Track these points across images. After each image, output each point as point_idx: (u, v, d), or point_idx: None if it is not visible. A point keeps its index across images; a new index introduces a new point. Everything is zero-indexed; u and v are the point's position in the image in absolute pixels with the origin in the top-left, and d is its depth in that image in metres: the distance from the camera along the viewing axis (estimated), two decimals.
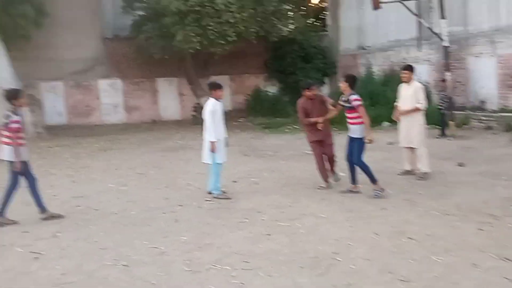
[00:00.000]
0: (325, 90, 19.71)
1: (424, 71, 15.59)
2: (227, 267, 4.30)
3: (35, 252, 4.88)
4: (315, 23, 22.65)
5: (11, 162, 5.82)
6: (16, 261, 4.69)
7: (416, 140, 7.53)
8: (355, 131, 6.65)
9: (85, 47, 18.38)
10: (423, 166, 7.51)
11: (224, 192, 6.93)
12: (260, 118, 17.14)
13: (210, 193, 6.91)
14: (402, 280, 3.83)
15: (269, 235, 5.16)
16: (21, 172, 5.89)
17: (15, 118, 5.79)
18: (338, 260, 4.35)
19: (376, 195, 6.47)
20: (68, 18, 17.74)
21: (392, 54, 17.31)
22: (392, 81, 15.76)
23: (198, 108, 18.04)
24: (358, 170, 6.74)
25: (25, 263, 4.61)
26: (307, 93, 7.16)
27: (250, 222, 5.66)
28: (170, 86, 19.29)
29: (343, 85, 6.80)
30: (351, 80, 6.81)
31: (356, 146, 6.66)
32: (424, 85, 8.76)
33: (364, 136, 6.59)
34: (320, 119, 7.00)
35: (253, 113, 18.09)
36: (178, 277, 4.15)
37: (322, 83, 19.90)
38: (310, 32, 20.00)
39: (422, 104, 7.46)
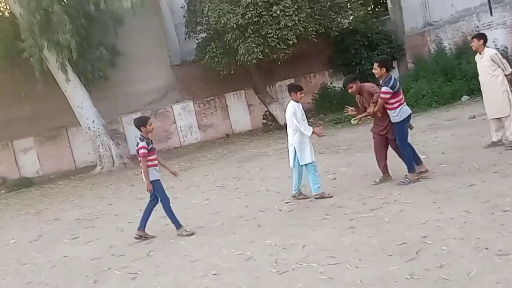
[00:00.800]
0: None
1: (501, 35, 14.44)
2: (314, 264, 4.27)
3: (132, 273, 5.21)
4: (375, 8, 21.95)
5: (155, 181, 6.36)
6: (116, 283, 5.03)
7: (503, 109, 6.98)
8: (392, 116, 6.33)
9: (157, 77, 19.43)
10: (511, 134, 6.93)
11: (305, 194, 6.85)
12: (331, 114, 16.88)
13: (316, 196, 6.60)
14: (499, 255, 3.56)
15: (353, 228, 5.06)
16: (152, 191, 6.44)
17: (141, 144, 6.25)
18: (429, 243, 4.15)
19: (402, 182, 6.28)
20: (139, 53, 18.91)
21: (463, 24, 16.24)
22: (466, 53, 14.81)
23: (268, 116, 18.26)
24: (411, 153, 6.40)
25: (125, 284, 4.93)
26: (349, 91, 6.90)
27: (333, 218, 5.59)
28: (239, 99, 19.70)
29: (377, 70, 6.46)
30: (386, 64, 6.51)
31: (397, 131, 6.36)
32: (501, 50, 8.15)
33: (403, 119, 6.28)
34: (360, 116, 6.80)
35: (322, 111, 17.88)
36: (266, 279, 4.20)
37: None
38: (371, 19, 19.42)
39: (505, 69, 6.92)
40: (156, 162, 6.42)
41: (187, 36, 18.22)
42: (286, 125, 6.97)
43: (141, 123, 6.40)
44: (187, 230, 6.30)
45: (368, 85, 6.75)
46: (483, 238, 3.96)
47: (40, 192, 14.45)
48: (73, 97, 16.32)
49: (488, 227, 4.18)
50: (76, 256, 6.39)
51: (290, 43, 14.93)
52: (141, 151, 6.22)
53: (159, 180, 6.44)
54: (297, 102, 6.77)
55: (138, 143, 6.30)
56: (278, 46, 14.89)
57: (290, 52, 15.46)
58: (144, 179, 6.35)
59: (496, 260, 3.52)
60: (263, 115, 18.52)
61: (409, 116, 6.41)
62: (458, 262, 3.63)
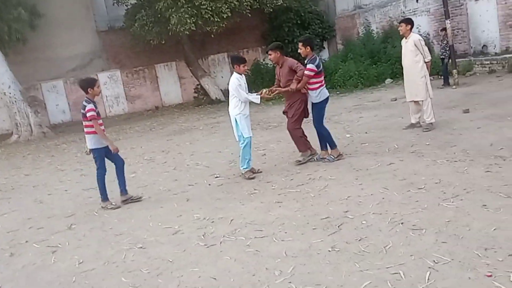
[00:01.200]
0: (325, 55, 19.49)
1: (424, 22, 15.30)
2: (242, 238, 4.34)
3: (52, 246, 4.98)
4: None
5: (96, 149, 6.01)
6: (34, 256, 4.79)
7: (421, 93, 7.42)
8: (312, 96, 6.52)
9: (81, 42, 18.34)
10: (428, 117, 7.44)
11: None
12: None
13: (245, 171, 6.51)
14: (413, 229, 3.85)
15: (280, 202, 5.20)
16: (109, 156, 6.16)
17: (89, 106, 5.82)
18: (350, 217, 4.37)
19: (327, 159, 6.60)
20: (62, 17, 17.68)
21: (390, 9, 16.96)
22: (392, 37, 15.54)
23: (200, 90, 18.03)
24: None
25: (44, 257, 4.71)
26: (269, 57, 6.77)
27: (261, 193, 5.69)
28: (170, 71, 19.23)
29: (302, 50, 6.49)
30: (310, 43, 6.55)
31: (315, 112, 6.60)
32: (423, 36, 8.62)
33: (322, 101, 6.52)
34: (278, 89, 6.70)
35: (254, 87, 17.91)
36: (194, 253, 4.20)
37: (321, 48, 19.65)
38: None
39: (425, 56, 7.33)
40: (103, 127, 6.06)
41: (115, 1, 17.28)
42: (218, 99, 6.91)
43: (88, 84, 5.94)
44: (113, 204, 6.12)
45: (291, 61, 6.54)
46: (399, 214, 4.24)
47: None
48: None
49: (404, 203, 4.49)
50: None
51: (224, 16, 14.74)
52: (89, 114, 5.81)
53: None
54: (240, 74, 6.49)
55: (85, 106, 5.86)
56: (211, 18, 14.64)
57: (223, 25, 15.27)
58: (105, 141, 6.03)
59: (410, 234, 3.79)
60: (194, 89, 18.27)
61: (327, 99, 6.59)
62: (376, 236, 3.87)
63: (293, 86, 6.46)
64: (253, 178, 6.39)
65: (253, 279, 3.53)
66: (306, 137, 6.83)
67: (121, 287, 3.74)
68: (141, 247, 4.54)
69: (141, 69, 18.98)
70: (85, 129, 6.02)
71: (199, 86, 18.03)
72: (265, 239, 4.25)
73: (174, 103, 19.16)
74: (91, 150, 6.11)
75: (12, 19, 15.48)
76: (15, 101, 15.39)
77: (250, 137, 6.56)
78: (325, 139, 6.67)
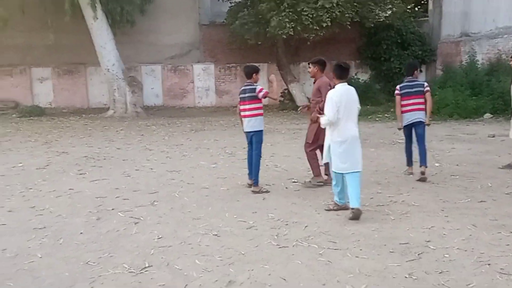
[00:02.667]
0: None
1: None
2: (314, 245, 4.32)
3: (135, 218, 5.30)
4: (415, 8, 21.50)
5: (259, 131, 6.39)
6: (118, 224, 5.12)
7: None
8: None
9: (183, 32, 19.28)
10: None
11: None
12: None
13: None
14: (501, 273, 3.59)
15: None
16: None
17: (259, 87, 6.20)
18: (431, 248, 4.18)
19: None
20: (170, 5, 18.74)
21: (500, 41, 15.91)
22: (498, 71, 14.58)
23: (286, 94, 18.16)
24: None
25: (127, 226, 5.02)
26: (308, 69, 6.58)
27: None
28: (261, 72, 19.57)
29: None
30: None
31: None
32: None
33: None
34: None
35: None
36: (266, 250, 4.26)
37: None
38: (409, 18, 19.05)
39: None
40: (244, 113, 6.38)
41: None
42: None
43: (253, 70, 6.37)
44: (265, 189, 6.33)
45: (323, 82, 6.25)
46: (486, 254, 3.97)
47: (51, 123, 14.59)
48: (98, 36, 16.24)
49: (493, 244, 4.20)
50: (81, 191, 6.49)
51: (324, 25, 14.71)
52: (262, 92, 6.16)
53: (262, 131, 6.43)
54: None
55: (254, 88, 6.20)
56: (311, 25, 14.68)
57: (321, 34, 15.25)
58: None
59: (497, 277, 3.54)
60: (281, 93, 18.41)
61: None
62: (459, 272, 3.66)
63: (313, 116, 6.25)
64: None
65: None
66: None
67: (194, 269, 3.89)
68: (216, 235, 4.68)
69: (233, 66, 19.51)
70: (250, 112, 6.27)
71: (286, 91, 18.16)
72: (338, 251, 4.19)
73: None
74: (254, 133, 6.37)
75: (126, 1, 16.69)
76: (116, 79, 16.53)
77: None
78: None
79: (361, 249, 4.20)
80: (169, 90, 19.44)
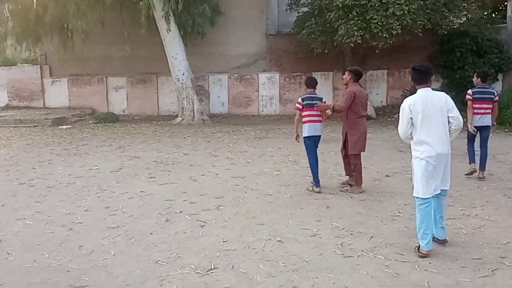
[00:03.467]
0: (497, 87, 17.69)
1: None
2: (381, 257, 4.21)
3: (201, 221, 5.45)
4: (492, 14, 20.34)
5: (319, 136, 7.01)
6: (185, 226, 5.29)
7: None
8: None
9: (250, 43, 19.63)
10: None
11: None
12: None
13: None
14: None
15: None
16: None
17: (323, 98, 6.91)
18: (507, 265, 3.93)
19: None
20: (238, 17, 19.20)
21: None
22: None
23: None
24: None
25: (193, 229, 5.18)
26: (343, 76, 6.85)
27: (406, 217, 5.42)
28: (326, 81, 19.41)
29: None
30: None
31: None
32: None
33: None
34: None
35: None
36: (330, 259, 4.21)
37: (495, 79, 17.87)
38: (485, 24, 18.05)
39: None
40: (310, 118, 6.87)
41: (288, 7, 18.10)
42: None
43: (316, 82, 7.03)
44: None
45: (350, 90, 6.55)
46: None
47: (124, 130, 15.40)
48: (170, 47, 16.98)
49: None
50: (151, 194, 6.79)
51: (394, 33, 14.32)
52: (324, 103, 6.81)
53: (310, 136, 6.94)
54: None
55: (322, 98, 6.87)
56: (380, 33, 14.36)
57: (391, 42, 14.86)
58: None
59: None
60: None
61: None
62: None
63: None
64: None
65: None
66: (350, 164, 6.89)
67: (258, 273, 3.93)
68: (279, 241, 4.70)
69: (299, 75, 19.52)
70: (319, 118, 6.84)
71: None
72: (406, 264, 4.05)
73: None
74: (320, 136, 7.03)
75: (197, 14, 17.33)
76: (185, 88, 17.16)
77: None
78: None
79: (430, 263, 4.03)
80: (235, 98, 19.83)
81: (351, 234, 4.89)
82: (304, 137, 6.94)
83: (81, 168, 8.84)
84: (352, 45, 15.05)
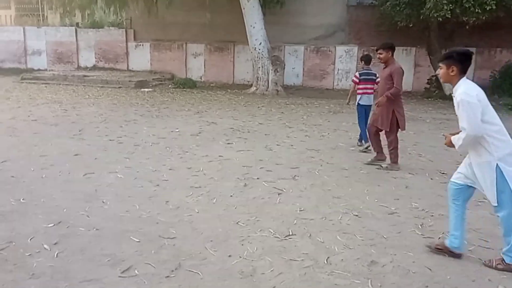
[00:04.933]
0: None
1: None
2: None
3: (278, 189, 5.59)
4: None
5: (369, 106, 8.05)
6: (262, 192, 5.46)
7: None
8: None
9: (330, 14, 19.18)
10: None
11: None
12: (507, 98, 15.06)
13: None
14: None
15: None
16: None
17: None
18: None
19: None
20: None
21: None
22: None
23: (433, 82, 17.03)
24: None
25: (271, 196, 5.34)
26: (379, 55, 6.64)
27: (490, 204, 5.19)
28: (407, 56, 18.59)
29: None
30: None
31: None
32: None
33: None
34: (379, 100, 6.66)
35: (498, 92, 16.00)
36: (409, 238, 4.18)
37: None
38: None
39: None
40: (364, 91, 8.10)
41: None
42: (451, 96, 3.95)
43: (370, 59, 8.24)
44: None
45: (396, 68, 6.49)
46: None
47: (201, 96, 15.88)
48: (249, 16, 17.02)
49: None
50: (229, 159, 7.04)
51: (487, 8, 13.32)
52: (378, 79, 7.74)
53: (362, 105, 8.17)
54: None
55: (376, 74, 7.98)
56: (472, 8, 13.42)
57: (483, 18, 13.84)
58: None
59: None
60: (428, 79, 17.34)
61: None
62: None
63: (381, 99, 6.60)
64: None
65: (473, 284, 3.33)
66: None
67: (336, 243, 4.00)
68: (356, 215, 4.73)
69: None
70: (371, 91, 8.07)
71: (433, 78, 17.01)
72: (490, 250, 3.93)
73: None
74: (370, 106, 8.06)
75: None
76: (261, 57, 17.22)
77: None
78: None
79: None
80: (310, 70, 19.62)
81: (432, 215, 4.79)
82: (357, 105, 8.14)
83: (164, 130, 9.30)
84: (440, 19, 14.21)
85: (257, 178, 6.01)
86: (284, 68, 18.01)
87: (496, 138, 3.48)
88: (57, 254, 3.75)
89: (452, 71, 3.60)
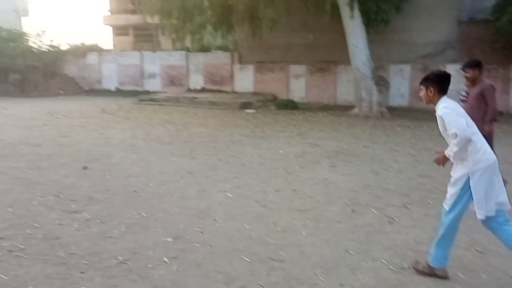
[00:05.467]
0: None
1: None
2: None
3: (388, 217, 5.37)
4: None
5: None
6: (372, 219, 5.28)
7: None
8: None
9: (438, 30, 18.30)
10: None
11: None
12: None
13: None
14: None
15: None
16: None
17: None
18: None
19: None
20: (427, 2, 18.05)
21: None
22: None
23: None
24: None
25: (381, 224, 5.14)
26: (465, 74, 6.16)
27: None
28: None
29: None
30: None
31: None
32: None
33: None
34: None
35: None
36: None
37: None
38: None
39: None
40: None
41: None
42: None
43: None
44: None
45: (486, 86, 6.07)
46: None
47: (302, 117, 15.98)
48: (352, 35, 16.83)
49: None
50: (334, 182, 6.94)
51: None
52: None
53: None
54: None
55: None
56: None
57: None
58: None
59: None
60: None
61: None
62: None
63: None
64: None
65: None
66: None
67: (458, 282, 3.73)
68: (479, 251, 4.37)
69: (494, 67, 17.47)
70: None
71: None
72: None
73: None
74: None
75: (383, 0, 16.82)
76: (364, 78, 16.86)
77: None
78: None
79: None
80: (417, 91, 18.66)
81: None
82: None
83: (268, 151, 9.49)
84: None
85: (365, 204, 5.85)
86: (389, 89, 17.48)
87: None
88: (176, 268, 3.97)
89: (431, 91, 3.78)
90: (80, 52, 26.34)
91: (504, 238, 3.62)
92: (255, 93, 21.40)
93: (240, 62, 22.34)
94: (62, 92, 24.78)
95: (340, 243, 4.55)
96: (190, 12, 18.50)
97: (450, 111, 3.59)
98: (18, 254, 4.22)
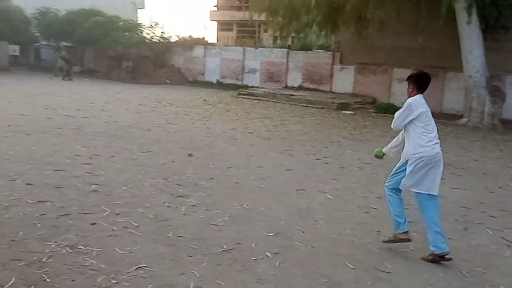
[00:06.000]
0: None
1: None
2: None
3: (507, 240, 4.89)
4: None
5: None
6: (486, 240, 4.85)
7: None
8: None
9: None
10: None
11: None
12: None
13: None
14: None
15: None
16: None
17: None
18: None
19: None
20: None
21: None
22: None
23: None
24: None
25: (499, 246, 4.70)
26: None
27: None
28: None
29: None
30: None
31: None
32: None
33: None
34: None
35: None
36: None
37: None
38: None
39: None
40: None
41: None
42: None
43: None
44: None
45: None
46: None
47: None
48: (467, 41, 15.69)
49: None
50: (443, 196, 6.38)
51: None
52: None
53: None
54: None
55: None
56: None
57: None
58: None
59: None
60: None
61: None
62: None
63: None
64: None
65: None
66: None
67: None
68: None
69: None
70: None
71: None
72: None
73: None
74: None
75: (505, 5, 15.39)
76: (477, 87, 15.64)
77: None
78: None
79: None
80: None
81: None
82: None
83: (368, 155, 9.13)
84: None
85: (479, 223, 5.39)
86: (504, 100, 16.01)
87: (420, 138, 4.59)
88: (278, 264, 3.97)
89: (411, 89, 4.42)
90: (188, 44, 27.67)
91: None
92: (353, 95, 20.87)
93: (341, 62, 21.92)
94: (168, 81, 26.30)
95: (452, 261, 4.22)
96: (297, 11, 18.54)
97: (408, 104, 4.35)
98: (132, 231, 4.49)
